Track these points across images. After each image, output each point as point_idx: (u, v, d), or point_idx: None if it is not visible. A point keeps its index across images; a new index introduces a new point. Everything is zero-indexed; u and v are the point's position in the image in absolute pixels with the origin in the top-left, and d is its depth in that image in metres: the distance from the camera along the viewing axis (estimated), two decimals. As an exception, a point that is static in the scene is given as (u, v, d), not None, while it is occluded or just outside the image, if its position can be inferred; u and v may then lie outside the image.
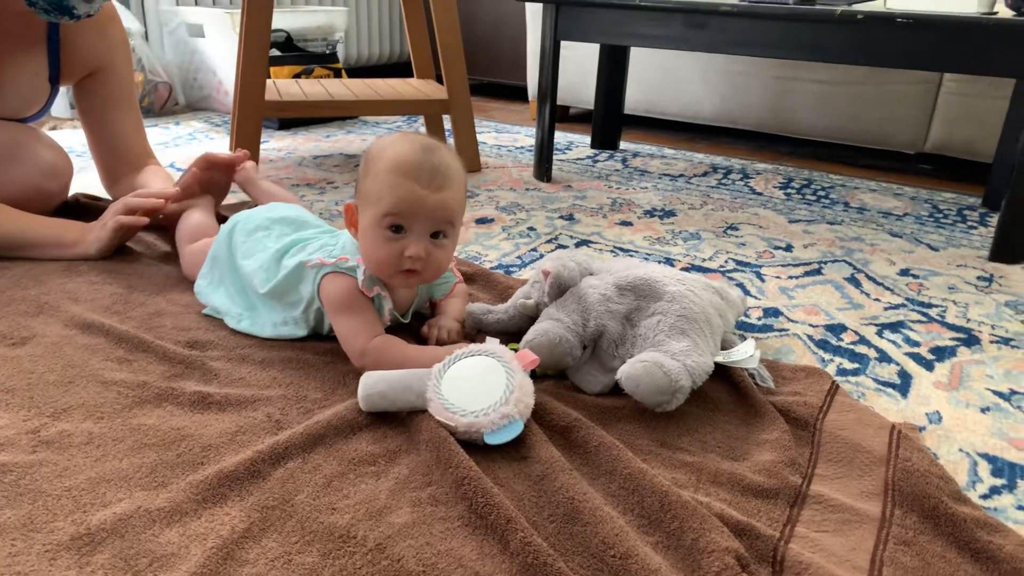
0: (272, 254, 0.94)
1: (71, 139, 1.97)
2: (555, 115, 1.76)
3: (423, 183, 0.80)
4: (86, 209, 1.36)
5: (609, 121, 2.14)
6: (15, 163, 1.21)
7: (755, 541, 0.60)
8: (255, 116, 1.66)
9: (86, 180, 1.55)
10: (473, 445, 0.70)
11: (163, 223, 1.24)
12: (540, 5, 1.73)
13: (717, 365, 0.83)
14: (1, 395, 0.77)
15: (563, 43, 1.80)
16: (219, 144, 2.03)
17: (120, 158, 1.34)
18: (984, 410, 0.85)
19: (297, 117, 2.28)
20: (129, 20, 2.25)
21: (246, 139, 1.66)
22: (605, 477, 0.66)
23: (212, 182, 1.28)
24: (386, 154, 0.82)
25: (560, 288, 0.88)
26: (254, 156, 1.67)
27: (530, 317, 0.91)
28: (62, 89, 1.34)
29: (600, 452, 0.69)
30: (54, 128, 2.15)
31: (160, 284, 1.06)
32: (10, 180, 1.19)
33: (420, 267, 0.82)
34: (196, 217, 1.15)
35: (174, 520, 0.60)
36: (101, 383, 0.80)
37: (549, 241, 1.37)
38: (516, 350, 0.78)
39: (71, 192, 1.37)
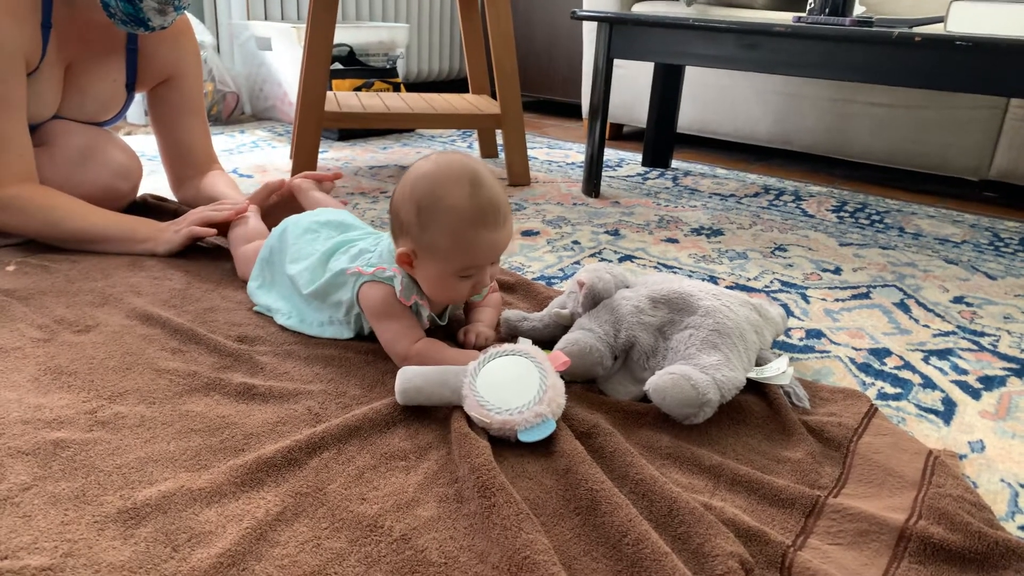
0: (319, 256, 0.97)
1: (143, 144, 2.08)
2: (605, 131, 1.77)
3: (491, 227, 0.81)
4: (153, 209, 1.43)
5: (661, 139, 2.14)
6: (90, 163, 1.29)
7: (765, 547, 0.60)
8: (315, 126, 1.72)
9: (155, 182, 1.63)
10: (505, 441, 0.72)
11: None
12: (596, 24, 1.75)
13: (751, 381, 0.83)
14: (64, 377, 0.82)
15: (618, 62, 1.82)
16: (280, 152, 2.11)
17: (186, 162, 1.41)
18: (1031, 441, 0.83)
19: (355, 128, 2.35)
20: (202, 33, 2.36)
21: (306, 148, 1.73)
22: (618, 481, 0.68)
23: (283, 205, 1.26)
24: (445, 204, 0.80)
25: (594, 299, 0.89)
26: (312, 165, 1.73)
27: (564, 326, 0.92)
28: (137, 96, 1.41)
29: (615, 458, 0.70)
30: (129, 133, 2.26)
31: (216, 282, 1.11)
32: (85, 179, 1.27)
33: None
34: (251, 221, 1.19)
35: (213, 501, 0.64)
36: (155, 371, 0.84)
37: (593, 255, 1.38)
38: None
39: (140, 192, 1.45)
